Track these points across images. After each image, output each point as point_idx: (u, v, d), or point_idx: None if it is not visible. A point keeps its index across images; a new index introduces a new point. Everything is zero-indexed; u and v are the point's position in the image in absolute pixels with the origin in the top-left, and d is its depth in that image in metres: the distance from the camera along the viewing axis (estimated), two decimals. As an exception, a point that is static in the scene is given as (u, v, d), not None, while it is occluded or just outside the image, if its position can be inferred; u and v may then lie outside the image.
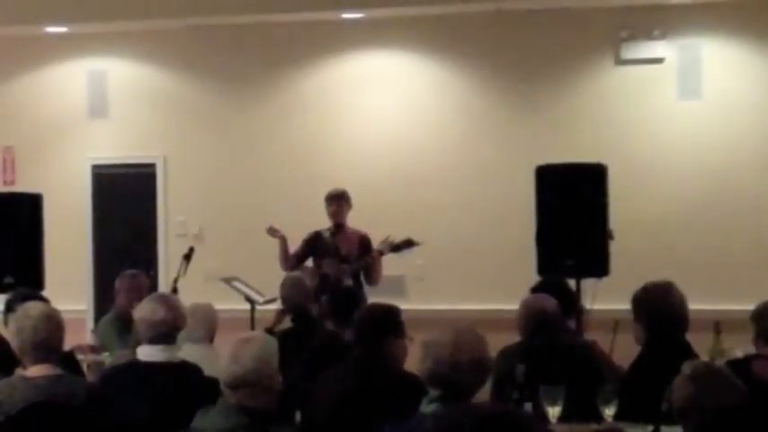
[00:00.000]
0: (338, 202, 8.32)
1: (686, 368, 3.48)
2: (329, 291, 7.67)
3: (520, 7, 9.41)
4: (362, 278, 8.26)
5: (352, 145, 9.83)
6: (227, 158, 10.08)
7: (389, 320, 4.68)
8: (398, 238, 8.23)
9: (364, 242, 8.28)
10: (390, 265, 8.51)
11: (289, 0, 9.58)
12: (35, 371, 4.22)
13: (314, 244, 8.34)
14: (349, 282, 8.12)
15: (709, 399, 3.34)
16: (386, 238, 8.19)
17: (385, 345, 4.59)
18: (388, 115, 9.81)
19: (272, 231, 8.47)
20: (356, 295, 6.51)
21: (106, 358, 5.85)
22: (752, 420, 3.42)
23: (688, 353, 4.60)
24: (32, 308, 4.42)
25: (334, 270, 8.16)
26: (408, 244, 8.11)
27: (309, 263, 8.42)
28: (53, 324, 4.32)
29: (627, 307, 4.87)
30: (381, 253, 8.15)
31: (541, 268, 7.40)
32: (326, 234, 8.34)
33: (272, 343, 3.77)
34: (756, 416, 3.55)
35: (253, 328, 7.79)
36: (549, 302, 5.39)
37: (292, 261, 8.33)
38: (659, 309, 4.69)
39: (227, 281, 8.24)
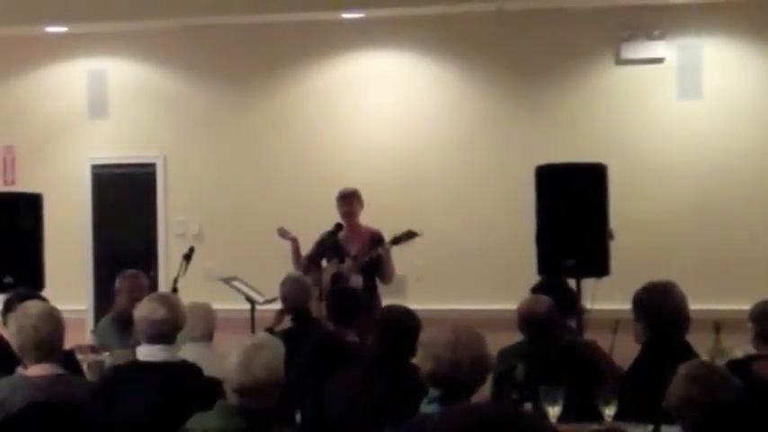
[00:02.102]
0: (350, 201, 8.24)
1: (683, 368, 3.48)
2: (331, 291, 7.64)
3: (520, 7, 9.41)
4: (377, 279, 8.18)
5: (351, 145, 9.84)
6: (227, 158, 10.08)
7: (409, 333, 4.66)
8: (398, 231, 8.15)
9: (375, 239, 8.17)
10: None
11: (289, 0, 9.58)
12: (36, 370, 4.21)
13: (324, 244, 8.24)
14: (358, 280, 8.01)
15: (704, 396, 3.34)
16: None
17: (401, 351, 4.61)
18: (388, 115, 9.81)
19: (283, 233, 8.25)
20: (356, 295, 6.49)
21: (106, 358, 5.85)
22: (748, 418, 3.42)
23: (688, 353, 4.60)
24: (32, 307, 4.42)
25: (336, 270, 8.11)
26: (409, 235, 8.04)
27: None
28: (53, 323, 4.32)
29: (627, 307, 4.86)
30: (386, 250, 8.10)
31: (541, 268, 7.39)
32: (333, 233, 8.24)
33: (281, 349, 3.76)
34: (755, 415, 3.55)
35: (253, 328, 7.79)
36: (541, 304, 5.38)
37: (305, 263, 8.20)
38: (660, 308, 4.69)
39: (227, 281, 8.23)
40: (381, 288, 8.19)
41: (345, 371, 4.72)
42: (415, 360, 3.84)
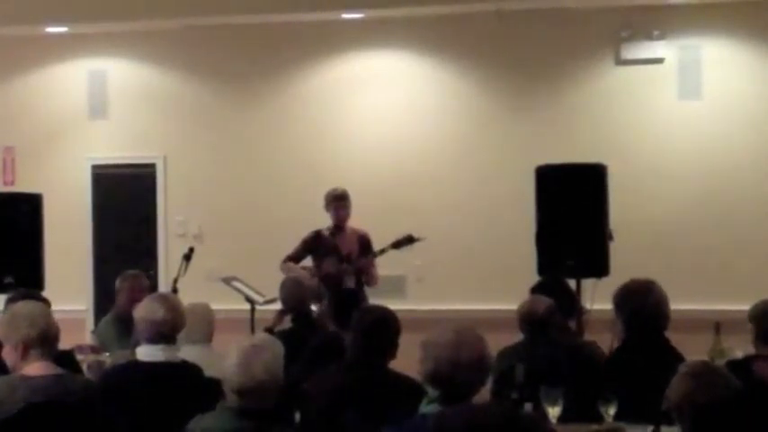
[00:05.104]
0: (344, 204, 8.27)
1: (683, 367, 3.48)
2: (331, 292, 7.68)
3: (520, 7, 9.41)
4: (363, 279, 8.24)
5: (351, 145, 9.84)
6: (227, 158, 10.08)
7: (391, 335, 4.64)
8: (399, 235, 8.20)
9: (364, 241, 8.26)
10: (390, 265, 8.51)
11: (289, 0, 9.58)
12: (34, 370, 4.19)
13: (314, 244, 8.31)
14: (351, 282, 8.09)
15: (705, 396, 3.34)
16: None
17: (384, 353, 4.59)
18: (388, 115, 9.81)
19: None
20: (358, 297, 6.51)
21: (106, 358, 5.84)
22: (748, 418, 3.42)
23: (667, 351, 4.60)
24: (23, 307, 4.39)
25: (335, 270, 8.14)
26: (409, 240, 8.11)
27: (308, 262, 8.39)
28: (46, 321, 4.28)
29: (627, 307, 4.86)
30: (383, 251, 8.14)
31: (541, 268, 7.39)
32: (327, 233, 8.31)
33: (281, 349, 3.75)
34: (755, 415, 3.55)
35: (253, 328, 7.79)
36: (541, 304, 5.38)
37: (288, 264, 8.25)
38: (639, 307, 4.69)
39: (227, 281, 8.23)
40: (377, 287, 8.21)
41: (326, 373, 4.68)
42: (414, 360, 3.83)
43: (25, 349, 4.20)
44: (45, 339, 4.22)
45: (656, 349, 4.60)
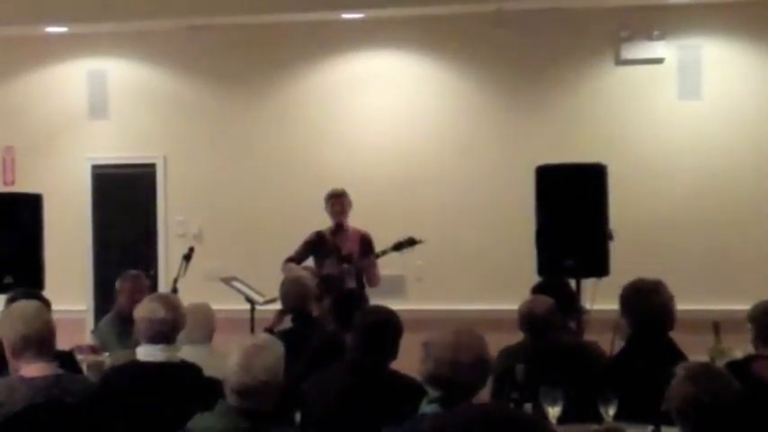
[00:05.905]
0: (341, 201, 8.30)
1: (683, 369, 3.48)
2: (332, 292, 7.67)
3: (520, 7, 9.41)
4: (364, 279, 8.25)
5: (351, 145, 9.84)
6: (227, 158, 10.08)
7: (393, 336, 4.64)
8: (400, 237, 8.21)
9: (365, 241, 8.27)
10: (390, 265, 8.51)
11: (289, 0, 9.58)
12: (33, 371, 4.19)
13: (315, 244, 8.31)
14: (352, 282, 8.10)
15: (707, 398, 3.34)
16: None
17: (385, 354, 4.59)
18: (388, 115, 9.81)
19: None
20: (359, 298, 6.51)
21: (106, 358, 5.84)
22: (749, 420, 3.42)
23: (672, 351, 4.60)
24: (18, 307, 4.39)
25: (337, 270, 8.15)
26: (410, 242, 8.12)
27: (310, 262, 8.39)
28: (42, 320, 4.27)
29: (627, 307, 4.86)
30: (384, 253, 8.14)
31: (541, 268, 7.39)
32: (328, 234, 8.32)
33: (282, 350, 3.75)
34: (755, 416, 3.55)
35: (253, 328, 7.79)
36: (540, 305, 5.38)
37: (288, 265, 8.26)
38: (646, 306, 4.69)
39: (227, 281, 8.23)
40: (377, 287, 8.21)
41: (327, 373, 4.68)
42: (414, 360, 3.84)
43: (21, 349, 4.20)
44: (40, 339, 4.21)
45: (661, 349, 4.59)
